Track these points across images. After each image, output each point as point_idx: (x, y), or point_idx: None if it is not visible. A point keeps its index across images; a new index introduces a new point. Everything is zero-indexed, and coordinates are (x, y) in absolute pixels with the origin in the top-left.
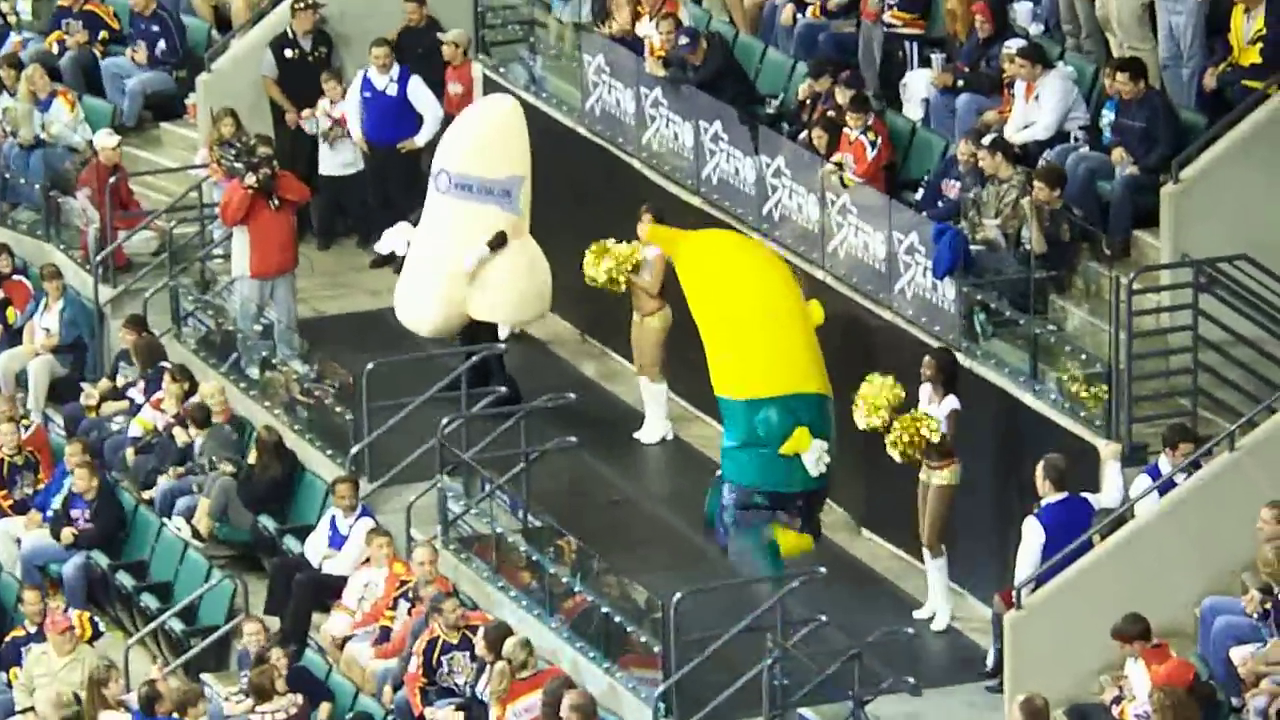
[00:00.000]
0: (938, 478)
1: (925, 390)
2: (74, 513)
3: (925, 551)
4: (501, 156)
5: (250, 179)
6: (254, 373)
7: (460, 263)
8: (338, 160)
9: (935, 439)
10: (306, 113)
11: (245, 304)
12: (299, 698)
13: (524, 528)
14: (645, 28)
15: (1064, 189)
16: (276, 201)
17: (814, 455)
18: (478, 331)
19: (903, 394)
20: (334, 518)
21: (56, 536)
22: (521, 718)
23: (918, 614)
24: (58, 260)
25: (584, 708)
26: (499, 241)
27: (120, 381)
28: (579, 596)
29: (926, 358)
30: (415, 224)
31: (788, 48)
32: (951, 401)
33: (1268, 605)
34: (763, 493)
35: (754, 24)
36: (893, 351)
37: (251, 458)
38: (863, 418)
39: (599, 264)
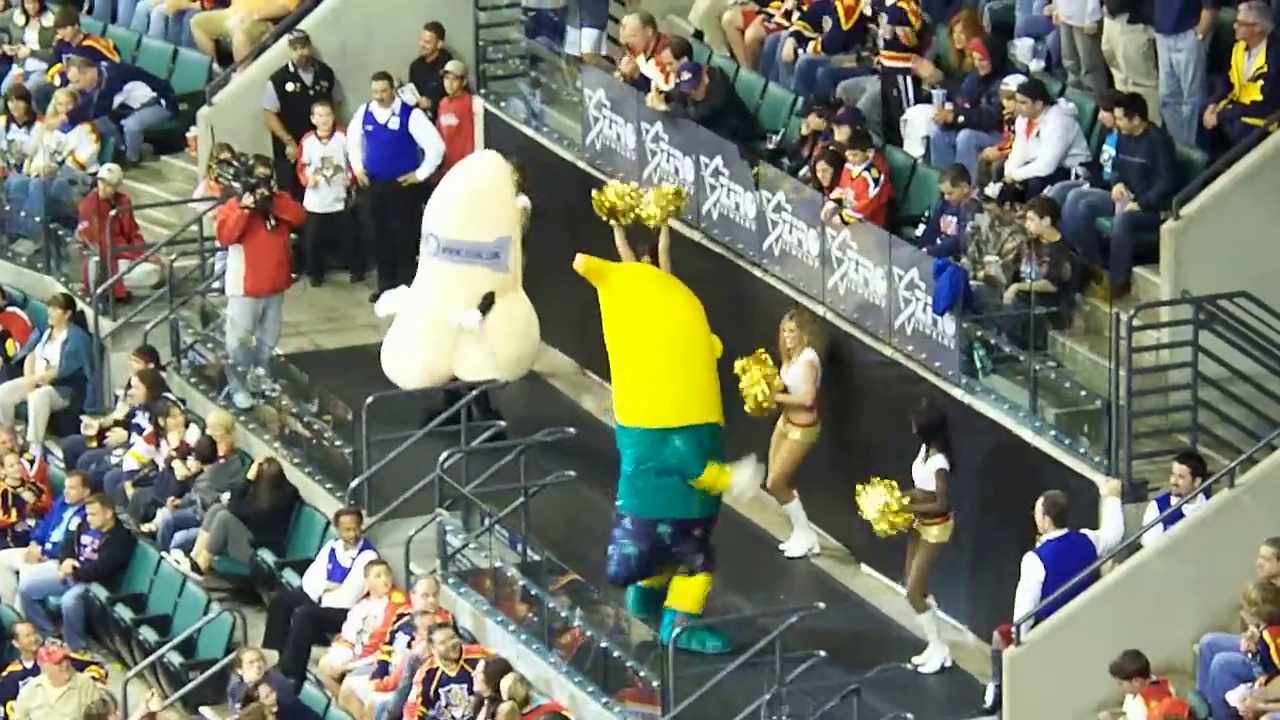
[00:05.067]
0: (927, 534)
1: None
2: (84, 539)
3: (910, 607)
4: (490, 220)
5: (247, 199)
6: (240, 399)
7: (448, 323)
8: (321, 199)
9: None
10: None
11: (234, 326)
12: None
13: (523, 561)
14: (648, 68)
15: (1057, 219)
16: (272, 221)
17: (745, 479)
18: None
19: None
20: (333, 550)
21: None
22: None
23: (916, 659)
24: (58, 293)
25: None
26: (487, 304)
27: (121, 413)
28: (577, 630)
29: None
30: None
31: (788, 83)
32: (939, 461)
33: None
34: (667, 521)
35: (755, 59)
36: (892, 388)
37: (250, 473)
38: (876, 524)
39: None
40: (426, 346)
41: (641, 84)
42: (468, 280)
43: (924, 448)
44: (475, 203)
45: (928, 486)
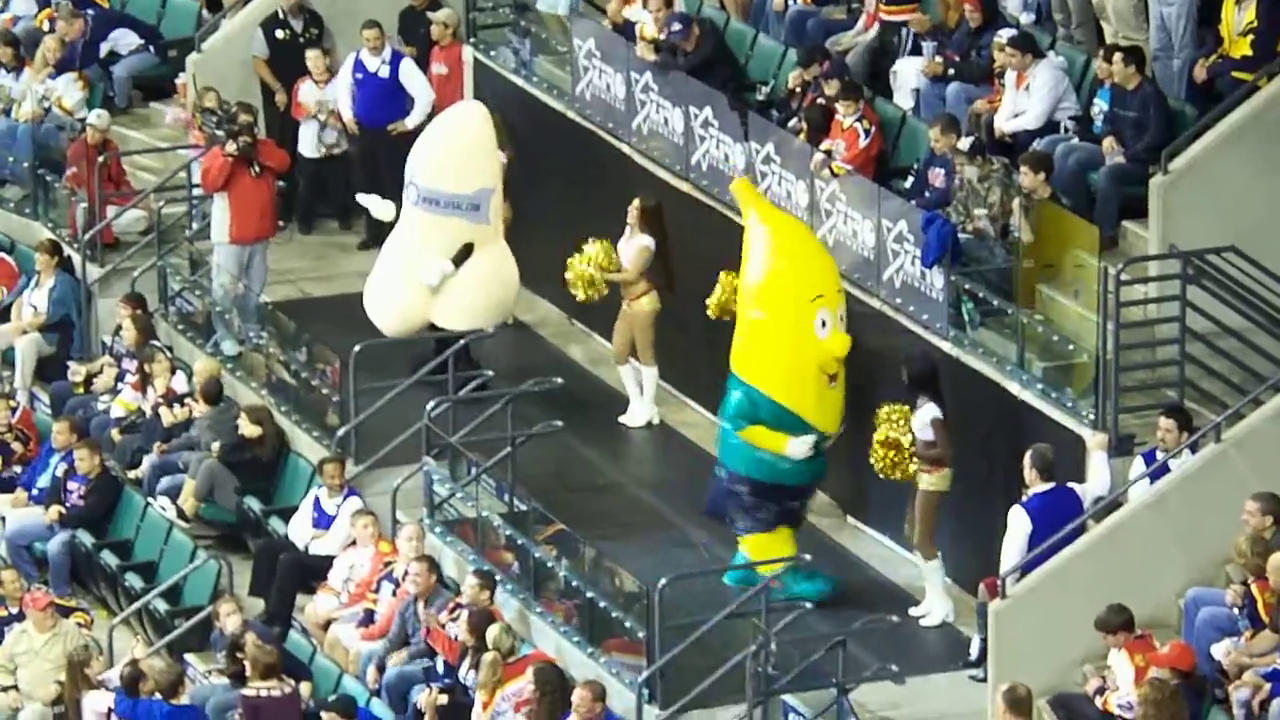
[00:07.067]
0: (926, 481)
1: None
2: (71, 485)
3: (917, 554)
4: (470, 171)
5: (230, 146)
6: (228, 346)
7: (422, 275)
8: (318, 143)
9: (905, 441)
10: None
11: (221, 273)
12: (290, 680)
13: (509, 511)
14: (637, 13)
15: (1050, 175)
16: (257, 168)
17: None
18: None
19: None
20: (318, 498)
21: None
22: (509, 701)
23: (914, 611)
24: (46, 239)
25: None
26: (464, 255)
27: (109, 360)
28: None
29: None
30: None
31: (779, 34)
32: (930, 410)
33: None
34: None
35: (745, 10)
36: (881, 339)
37: (246, 431)
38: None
39: (578, 274)
40: (405, 291)
41: (625, 31)
42: (446, 231)
43: (916, 398)
44: (456, 154)
45: (925, 437)
